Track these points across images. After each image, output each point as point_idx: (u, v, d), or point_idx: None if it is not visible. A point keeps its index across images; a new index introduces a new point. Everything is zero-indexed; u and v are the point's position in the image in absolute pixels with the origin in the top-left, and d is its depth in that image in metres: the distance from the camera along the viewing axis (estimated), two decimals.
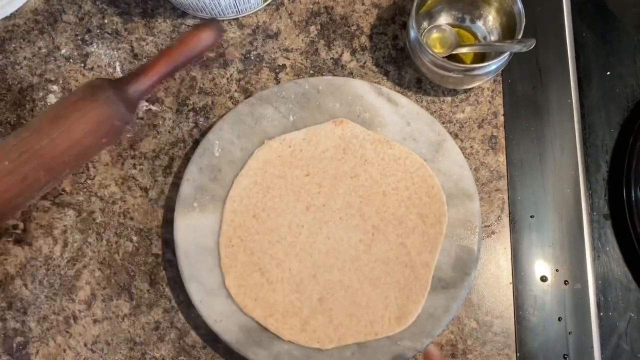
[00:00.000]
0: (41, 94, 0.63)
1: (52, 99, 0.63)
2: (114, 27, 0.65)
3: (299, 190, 0.58)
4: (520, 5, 0.56)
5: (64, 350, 0.57)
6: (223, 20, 0.65)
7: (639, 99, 0.64)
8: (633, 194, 0.59)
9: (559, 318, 0.58)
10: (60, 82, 0.63)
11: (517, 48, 0.55)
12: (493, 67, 0.57)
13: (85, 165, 0.61)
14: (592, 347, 0.57)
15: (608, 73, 0.65)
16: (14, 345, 0.57)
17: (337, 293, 0.55)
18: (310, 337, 0.55)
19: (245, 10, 0.64)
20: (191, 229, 0.57)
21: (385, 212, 0.57)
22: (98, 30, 0.65)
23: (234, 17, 0.65)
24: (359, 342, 0.54)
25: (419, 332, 0.55)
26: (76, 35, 0.65)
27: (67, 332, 0.57)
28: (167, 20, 0.65)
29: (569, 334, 0.57)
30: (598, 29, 0.66)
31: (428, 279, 0.55)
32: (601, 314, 0.58)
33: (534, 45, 0.54)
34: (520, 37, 0.56)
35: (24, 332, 0.57)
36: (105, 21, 0.65)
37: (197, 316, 0.56)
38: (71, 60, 0.64)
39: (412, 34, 0.59)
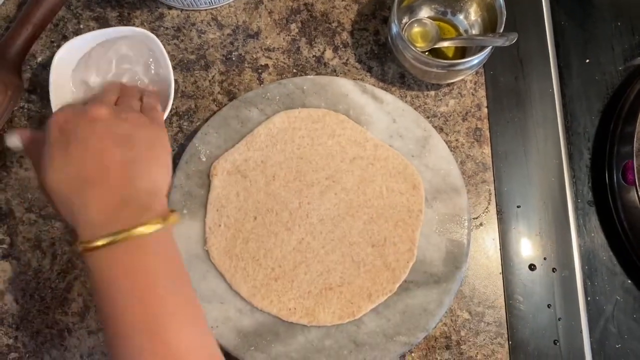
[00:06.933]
0: (21, 103, 0.61)
1: (32, 108, 0.62)
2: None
3: (278, 192, 0.58)
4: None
5: None
6: (199, 11, 0.64)
7: (617, 86, 0.65)
8: (615, 180, 0.60)
9: (549, 305, 0.59)
10: (39, 91, 0.62)
11: (499, 42, 0.55)
12: (475, 61, 0.57)
13: None
14: (581, 331, 0.59)
15: (587, 61, 0.65)
16: None
17: (330, 277, 0.56)
18: (307, 318, 0.56)
19: (219, 1, 0.63)
20: (182, 236, 0.57)
21: (366, 207, 0.58)
22: (74, 36, 0.63)
23: (209, 8, 0.64)
24: (355, 341, 0.55)
25: (413, 327, 0.55)
26: (52, 42, 0.63)
27: (62, 345, 0.57)
28: (145, 24, 0.64)
29: (559, 320, 0.59)
30: (577, 17, 0.67)
31: (406, 270, 0.57)
32: (588, 298, 0.60)
33: (516, 39, 0.54)
34: (502, 30, 0.56)
35: (18, 347, 0.57)
36: (81, 26, 0.64)
37: None
38: (48, 68, 0.62)
39: (394, 29, 0.58)
